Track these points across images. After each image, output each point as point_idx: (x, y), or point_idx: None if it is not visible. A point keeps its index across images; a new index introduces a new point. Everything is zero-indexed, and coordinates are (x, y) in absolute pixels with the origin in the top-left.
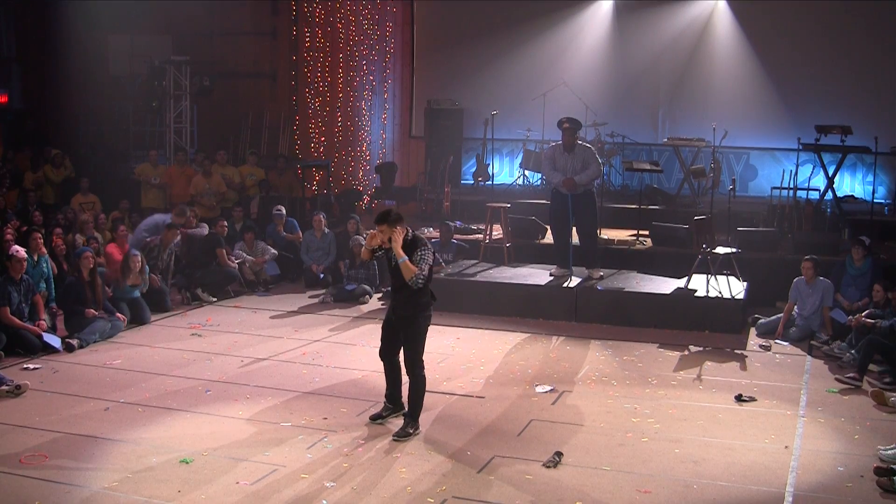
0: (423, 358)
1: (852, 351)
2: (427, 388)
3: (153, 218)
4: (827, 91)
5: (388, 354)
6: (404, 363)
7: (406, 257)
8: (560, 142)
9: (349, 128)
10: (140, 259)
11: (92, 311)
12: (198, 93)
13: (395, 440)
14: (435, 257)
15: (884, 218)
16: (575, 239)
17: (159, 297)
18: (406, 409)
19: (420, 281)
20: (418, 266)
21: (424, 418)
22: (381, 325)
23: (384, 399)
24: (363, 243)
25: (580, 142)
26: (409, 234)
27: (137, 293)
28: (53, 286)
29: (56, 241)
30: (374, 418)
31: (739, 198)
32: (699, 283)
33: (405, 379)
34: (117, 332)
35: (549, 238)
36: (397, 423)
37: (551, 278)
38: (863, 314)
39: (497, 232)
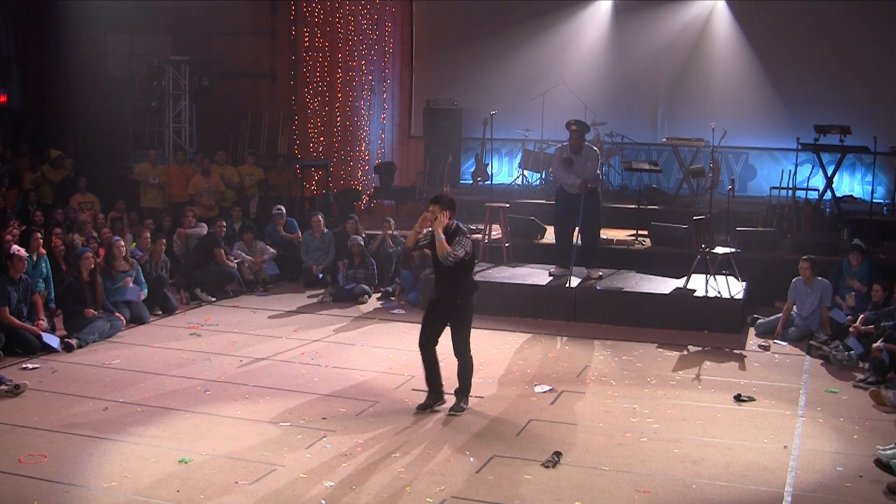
0: (419, 357)
1: (850, 352)
2: (425, 388)
3: None
4: (826, 91)
5: (430, 343)
6: (454, 347)
7: (444, 236)
8: (566, 143)
9: (348, 127)
10: (123, 245)
11: (91, 311)
12: (197, 92)
13: (451, 415)
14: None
15: (883, 218)
16: (577, 239)
17: (158, 287)
18: (443, 398)
19: (450, 259)
20: (452, 247)
21: (423, 419)
22: (378, 325)
23: (427, 388)
24: (361, 243)
25: (587, 143)
26: (454, 224)
27: (135, 295)
28: (52, 286)
29: (56, 242)
30: (423, 408)
31: (738, 198)
32: (698, 283)
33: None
34: (116, 332)
35: (548, 238)
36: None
37: (550, 278)
38: (858, 322)
39: (496, 232)
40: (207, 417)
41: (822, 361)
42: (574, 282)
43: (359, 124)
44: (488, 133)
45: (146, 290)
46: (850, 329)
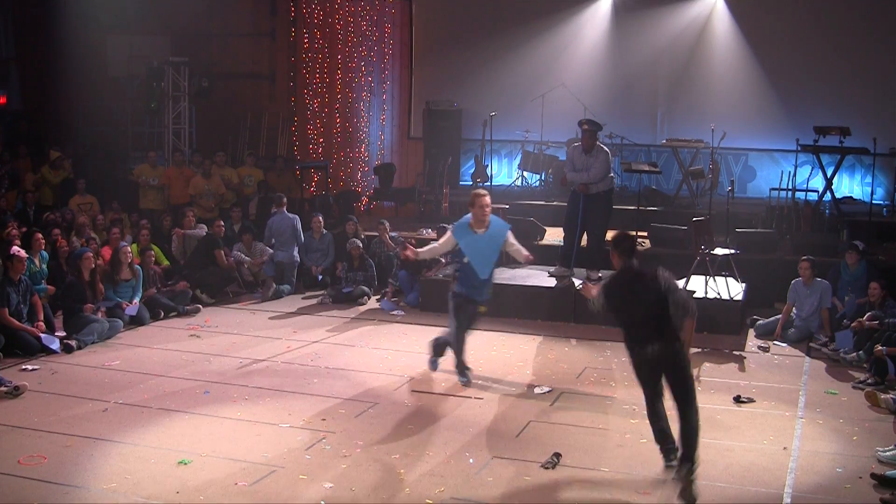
0: (419, 359)
1: (859, 352)
2: (425, 390)
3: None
4: (825, 92)
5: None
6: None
7: None
8: (580, 143)
9: (347, 129)
10: (130, 252)
11: (91, 305)
12: (196, 94)
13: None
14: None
15: (882, 219)
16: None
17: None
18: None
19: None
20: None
21: (423, 419)
22: (378, 326)
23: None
24: (360, 246)
25: (600, 144)
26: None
27: (135, 297)
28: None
29: (61, 242)
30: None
31: (738, 199)
32: (698, 285)
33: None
34: (116, 334)
35: (548, 239)
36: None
37: (551, 279)
38: (863, 317)
39: None
40: (207, 419)
41: (823, 363)
42: (574, 282)
43: (358, 126)
44: (488, 134)
45: (140, 295)
46: (853, 324)
